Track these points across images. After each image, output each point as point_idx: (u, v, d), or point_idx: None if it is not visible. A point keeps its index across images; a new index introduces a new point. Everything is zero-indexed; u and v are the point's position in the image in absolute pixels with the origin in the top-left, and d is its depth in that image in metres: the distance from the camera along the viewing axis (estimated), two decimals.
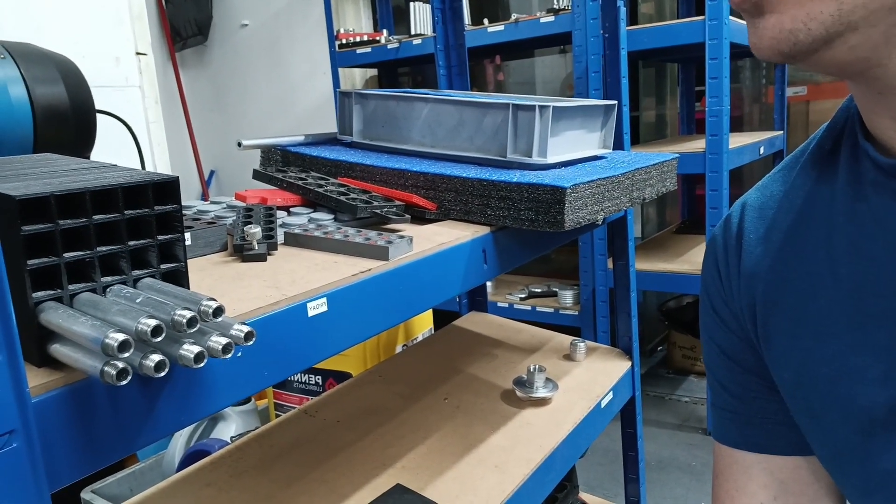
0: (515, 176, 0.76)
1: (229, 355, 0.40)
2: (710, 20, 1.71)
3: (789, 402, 0.55)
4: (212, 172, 3.66)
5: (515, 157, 0.83)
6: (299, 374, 1.50)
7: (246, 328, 0.41)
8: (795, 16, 0.38)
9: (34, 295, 0.38)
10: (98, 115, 1.69)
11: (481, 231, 0.75)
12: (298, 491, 0.81)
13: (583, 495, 1.35)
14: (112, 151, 1.88)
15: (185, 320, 0.36)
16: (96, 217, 0.39)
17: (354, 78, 3.17)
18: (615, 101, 0.96)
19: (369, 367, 1.28)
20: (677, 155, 1.00)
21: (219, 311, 0.39)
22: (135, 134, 1.94)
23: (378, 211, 0.72)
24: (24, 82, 1.51)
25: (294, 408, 1.43)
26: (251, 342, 0.41)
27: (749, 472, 0.59)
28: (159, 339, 0.36)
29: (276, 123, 3.37)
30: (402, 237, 0.64)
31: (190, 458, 1.21)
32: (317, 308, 0.53)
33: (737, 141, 2.03)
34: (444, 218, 0.80)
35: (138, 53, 2.11)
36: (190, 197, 3.65)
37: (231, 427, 1.43)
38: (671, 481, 1.86)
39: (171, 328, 0.37)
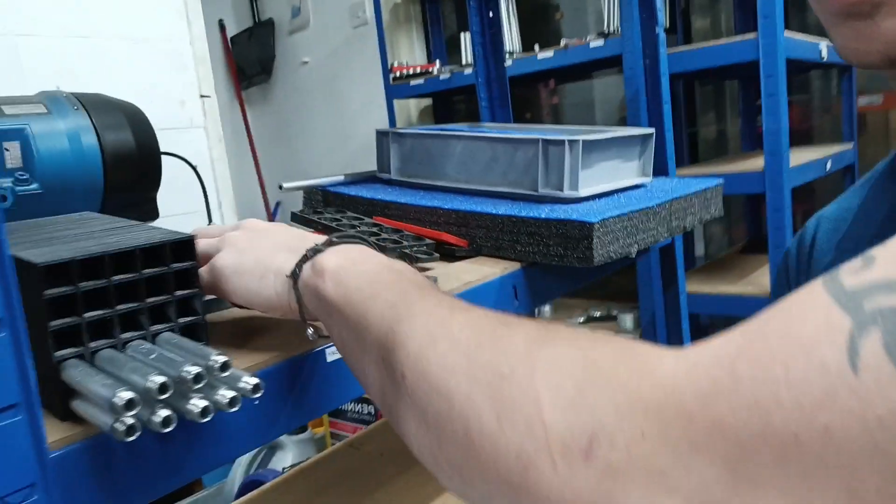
0: (544, 212, 0.76)
1: (236, 408, 0.41)
2: (764, 37, 1.65)
3: None
4: (277, 204, 3.80)
5: (547, 192, 0.83)
6: (353, 404, 1.53)
7: (254, 381, 0.42)
8: None
9: (57, 354, 0.40)
10: (165, 157, 1.79)
11: (511, 267, 0.75)
12: None
13: None
14: (179, 190, 1.98)
15: (190, 377, 0.38)
16: (115, 277, 0.42)
17: (410, 109, 3.23)
18: (652, 130, 0.94)
19: None
20: (721, 180, 0.97)
21: (225, 365, 0.40)
22: (199, 173, 2.03)
23: (407, 251, 0.73)
24: (94, 130, 1.62)
25: (348, 436, 1.46)
26: (259, 394, 0.42)
27: None
28: (166, 395, 0.38)
29: (336, 156, 3.46)
30: (427, 279, 0.65)
31: (246, 487, 1.25)
32: (336, 353, 0.54)
33: (801, 157, 1.95)
34: (476, 255, 0.80)
35: (202, 96, 2.23)
36: None
37: (288, 456, 1.46)
38: None
39: (178, 384, 0.39)
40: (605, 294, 2.78)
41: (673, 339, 1.21)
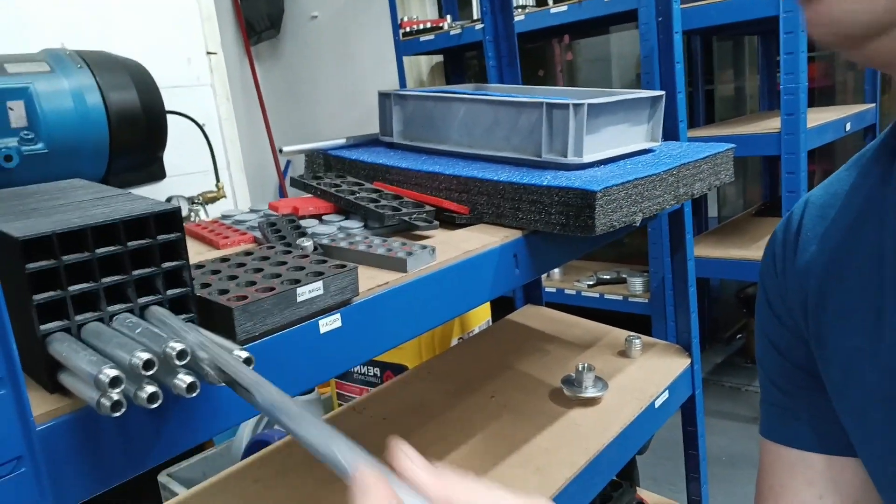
0: (546, 178, 0.74)
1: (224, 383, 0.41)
2: None
3: (836, 402, 0.54)
4: (287, 163, 3.78)
5: (551, 157, 0.81)
6: (360, 366, 1.54)
7: (244, 354, 0.42)
8: (849, 4, 0.38)
9: (44, 326, 0.40)
10: (171, 116, 1.77)
11: (512, 235, 0.74)
12: (340, 490, 0.82)
13: (641, 493, 1.32)
14: (186, 150, 1.97)
15: (174, 353, 0.38)
16: (99, 251, 0.41)
17: (420, 65, 3.17)
18: (662, 93, 0.91)
19: (424, 361, 1.29)
20: (732, 145, 0.95)
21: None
22: (205, 132, 2.02)
23: (406, 218, 0.72)
24: (99, 89, 1.60)
25: (355, 398, 1.47)
26: (250, 367, 0.42)
27: (794, 469, 0.59)
28: (151, 372, 0.37)
29: (347, 113, 3.42)
30: (423, 247, 0.64)
31: (253, 446, 1.27)
32: (329, 325, 0.54)
33: (819, 117, 1.89)
34: (477, 221, 0.79)
35: (209, 53, 2.20)
36: (268, 189, 3.79)
37: None
38: (742, 478, 1.79)
39: (163, 360, 0.38)
40: (616, 256, 2.76)
41: (680, 304, 1.20)
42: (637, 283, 2.32)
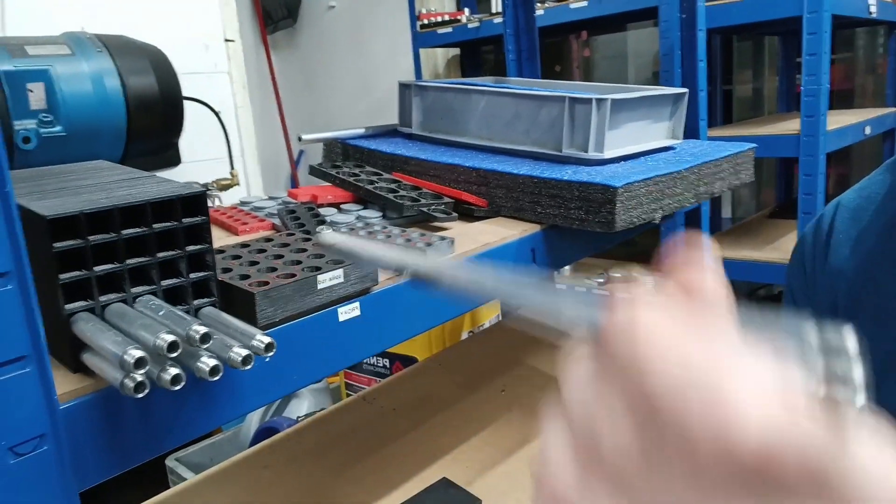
0: (567, 173, 0.73)
1: (249, 366, 0.41)
2: None
3: None
4: (300, 153, 3.78)
5: (571, 152, 0.81)
6: (369, 357, 1.54)
7: (267, 339, 0.42)
8: None
9: (68, 306, 0.40)
10: (188, 102, 1.77)
11: (530, 230, 0.74)
12: (349, 479, 0.83)
13: None
14: (202, 136, 1.97)
15: (198, 336, 0.38)
16: (125, 232, 0.41)
17: (437, 59, 3.16)
18: (685, 90, 0.91)
19: (434, 353, 1.29)
20: (753, 145, 0.94)
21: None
22: (221, 119, 2.02)
23: (425, 209, 0.72)
24: (118, 73, 1.60)
25: (363, 388, 1.47)
26: (272, 353, 0.42)
27: None
28: (175, 354, 0.37)
29: (362, 104, 3.42)
30: (443, 239, 0.64)
31: (261, 433, 1.27)
32: (349, 313, 0.54)
33: (839, 120, 1.87)
34: (495, 215, 0.79)
35: (226, 40, 2.20)
36: (280, 178, 3.80)
37: (304, 404, 1.49)
38: None
39: (186, 342, 0.38)
40: (628, 255, 2.74)
41: None
42: (648, 284, 2.31)
